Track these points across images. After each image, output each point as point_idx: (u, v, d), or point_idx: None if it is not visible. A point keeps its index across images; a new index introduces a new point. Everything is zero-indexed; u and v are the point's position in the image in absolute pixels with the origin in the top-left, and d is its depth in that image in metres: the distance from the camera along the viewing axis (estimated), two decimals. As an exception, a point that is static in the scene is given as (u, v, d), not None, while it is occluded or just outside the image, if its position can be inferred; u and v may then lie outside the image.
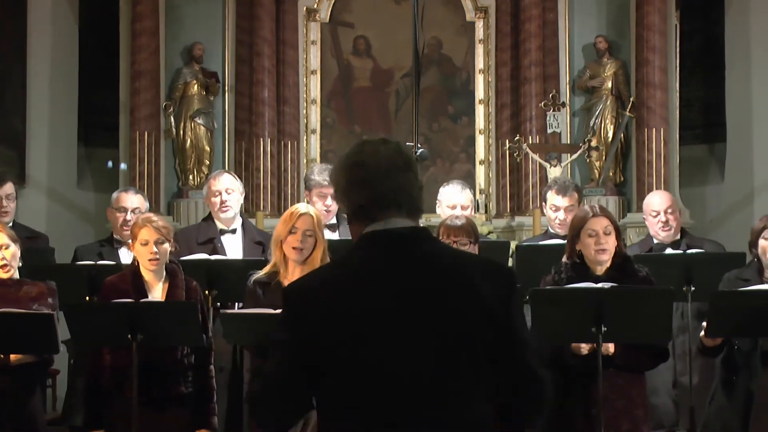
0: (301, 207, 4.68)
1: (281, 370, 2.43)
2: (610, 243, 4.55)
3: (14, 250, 4.92)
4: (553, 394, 2.53)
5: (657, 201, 5.96)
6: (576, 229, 4.61)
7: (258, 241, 5.89)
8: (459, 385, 2.36)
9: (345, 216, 6.19)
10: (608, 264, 4.57)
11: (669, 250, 5.64)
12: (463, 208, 5.88)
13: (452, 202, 5.92)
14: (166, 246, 4.69)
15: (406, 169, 2.50)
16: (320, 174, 5.89)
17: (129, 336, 4.43)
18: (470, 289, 2.40)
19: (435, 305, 2.37)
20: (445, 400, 2.35)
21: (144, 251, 4.66)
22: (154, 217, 4.78)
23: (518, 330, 2.45)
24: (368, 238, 2.46)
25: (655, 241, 5.92)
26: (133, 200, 5.93)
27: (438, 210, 6.02)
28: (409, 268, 2.41)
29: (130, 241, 5.71)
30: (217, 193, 5.86)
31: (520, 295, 2.56)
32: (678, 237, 5.91)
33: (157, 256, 4.66)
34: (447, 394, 2.35)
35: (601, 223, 4.55)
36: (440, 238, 4.74)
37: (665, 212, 5.86)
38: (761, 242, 4.84)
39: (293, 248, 4.55)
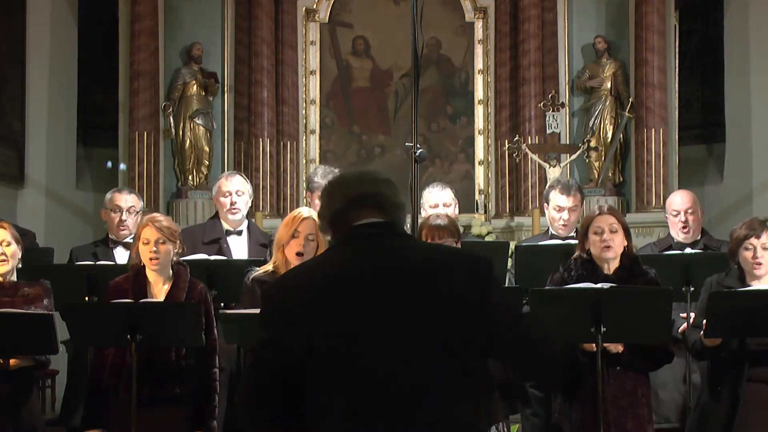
0: (304, 211, 4.68)
1: (260, 372, 2.45)
2: (616, 241, 4.62)
3: (15, 249, 4.92)
4: (562, 354, 2.57)
5: (678, 201, 5.96)
6: (584, 227, 4.73)
7: (263, 244, 5.88)
8: (439, 382, 2.36)
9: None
10: (617, 264, 4.64)
11: (688, 250, 5.64)
12: (445, 205, 5.86)
13: (433, 201, 5.90)
14: (168, 246, 4.67)
15: (384, 181, 2.55)
16: (324, 177, 5.88)
17: (128, 336, 4.42)
18: (443, 283, 2.41)
19: (408, 301, 2.38)
20: (424, 398, 2.34)
21: (145, 250, 4.66)
22: (159, 216, 4.77)
23: (502, 315, 2.45)
24: (346, 235, 2.50)
25: (675, 240, 5.92)
26: (127, 199, 5.92)
27: (422, 214, 6.00)
28: (381, 264, 2.43)
29: (125, 240, 5.78)
30: (227, 194, 5.86)
31: (521, 293, 2.56)
32: (698, 237, 5.91)
33: (157, 256, 4.65)
34: (426, 392, 2.34)
35: (606, 221, 4.64)
36: (423, 239, 4.70)
37: (686, 212, 5.87)
38: (743, 252, 4.81)
39: (296, 253, 4.56)
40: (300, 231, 4.58)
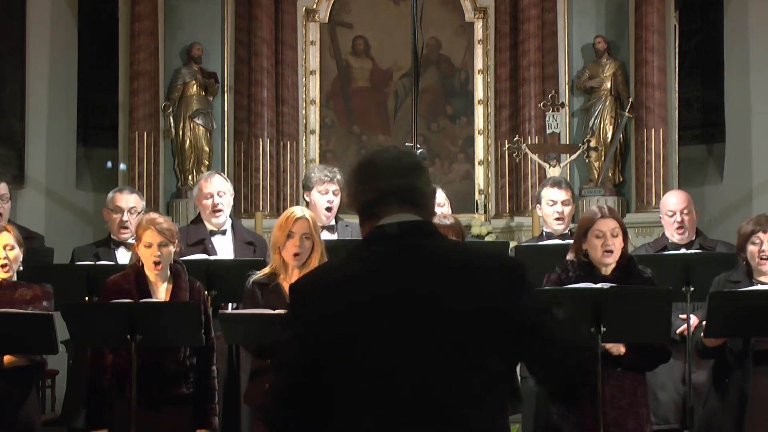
0: (297, 211, 4.68)
1: (287, 372, 2.39)
2: (617, 245, 4.58)
3: (17, 253, 4.94)
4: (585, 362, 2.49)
5: (673, 201, 5.93)
6: (583, 229, 4.64)
7: (248, 242, 5.87)
8: (463, 387, 2.31)
9: (345, 220, 6.22)
10: (614, 265, 4.60)
11: (683, 251, 5.64)
12: (439, 206, 5.88)
13: None
14: (170, 248, 4.68)
15: (417, 170, 2.47)
16: (321, 171, 5.89)
17: (128, 336, 4.43)
18: (479, 285, 2.35)
19: (441, 301, 2.33)
20: (447, 403, 2.29)
21: (148, 254, 4.66)
22: (159, 218, 4.74)
23: (534, 317, 2.40)
24: (373, 234, 2.43)
25: (670, 241, 5.92)
26: (128, 200, 5.88)
27: None
28: (412, 263, 2.37)
29: (127, 241, 5.77)
30: (208, 196, 5.82)
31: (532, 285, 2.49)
32: (693, 238, 5.90)
33: (161, 259, 4.66)
34: (450, 396, 2.30)
35: (608, 225, 4.58)
36: None
37: (681, 213, 5.85)
38: (750, 247, 4.83)
39: (293, 254, 4.57)
40: (295, 232, 4.58)
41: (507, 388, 2.41)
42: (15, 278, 4.97)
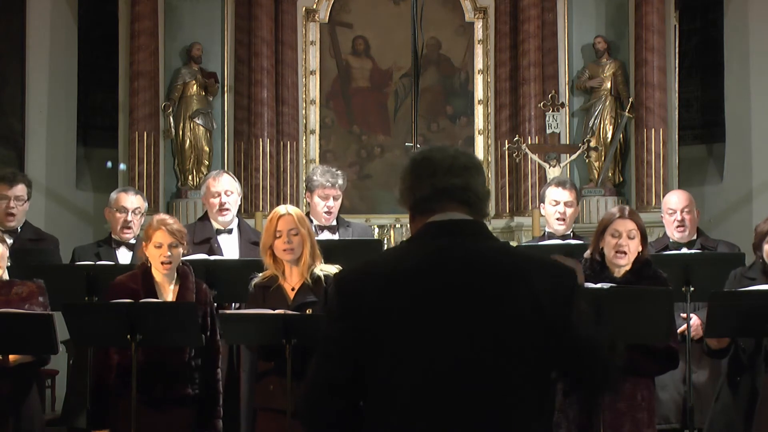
0: (280, 209, 4.70)
1: (329, 364, 2.35)
2: (632, 247, 4.55)
3: (2, 250, 4.92)
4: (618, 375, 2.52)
5: (674, 200, 5.94)
6: (602, 227, 4.64)
7: (254, 242, 5.88)
8: (505, 390, 2.29)
9: (346, 220, 6.21)
10: (627, 267, 4.57)
11: (684, 250, 5.64)
12: None
13: None
14: (180, 249, 4.70)
15: (473, 169, 2.47)
16: (323, 175, 5.89)
17: (128, 336, 4.43)
18: (527, 290, 2.33)
19: (488, 303, 2.31)
20: (488, 406, 2.27)
21: (157, 254, 4.67)
22: (169, 219, 4.76)
23: (581, 330, 2.40)
24: (426, 229, 2.41)
25: (671, 240, 5.92)
26: (133, 200, 5.91)
27: None
28: (461, 261, 2.35)
29: (129, 241, 5.79)
30: (216, 195, 5.85)
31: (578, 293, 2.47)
32: (694, 237, 5.90)
33: (170, 260, 4.67)
34: (492, 400, 2.27)
35: (626, 226, 4.56)
36: None
37: (682, 212, 5.86)
38: (766, 246, 4.83)
39: (283, 251, 4.56)
40: (281, 230, 4.59)
41: (549, 396, 2.38)
42: (7, 276, 4.96)
